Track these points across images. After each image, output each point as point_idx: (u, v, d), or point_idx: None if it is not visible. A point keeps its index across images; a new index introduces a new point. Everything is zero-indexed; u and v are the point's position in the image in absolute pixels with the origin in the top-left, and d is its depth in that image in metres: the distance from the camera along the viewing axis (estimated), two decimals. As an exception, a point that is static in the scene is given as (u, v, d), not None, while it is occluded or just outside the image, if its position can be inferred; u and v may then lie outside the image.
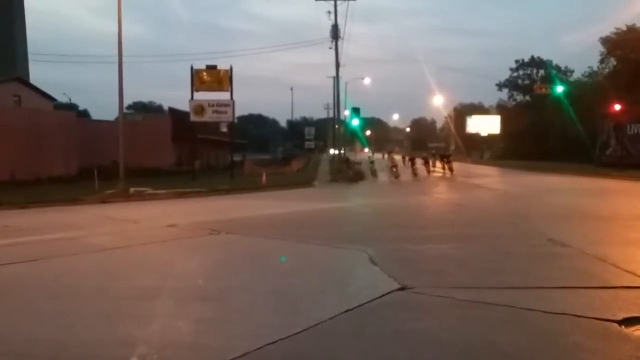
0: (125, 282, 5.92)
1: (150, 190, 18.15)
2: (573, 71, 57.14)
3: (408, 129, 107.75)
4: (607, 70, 44.25)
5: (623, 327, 4.04)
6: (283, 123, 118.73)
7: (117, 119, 23.22)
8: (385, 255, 6.97)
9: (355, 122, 34.95)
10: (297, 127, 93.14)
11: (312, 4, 40.66)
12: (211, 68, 26.05)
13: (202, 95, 26.21)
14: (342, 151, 43.39)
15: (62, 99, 51.50)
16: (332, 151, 49.20)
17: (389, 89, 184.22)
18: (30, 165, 23.77)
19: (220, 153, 45.30)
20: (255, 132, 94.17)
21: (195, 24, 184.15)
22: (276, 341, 3.86)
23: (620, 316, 4.22)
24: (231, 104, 25.95)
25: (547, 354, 3.61)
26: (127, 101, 66.26)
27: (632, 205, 13.69)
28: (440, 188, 21.39)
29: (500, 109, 63.41)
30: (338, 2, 33.12)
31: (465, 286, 5.41)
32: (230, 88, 25.83)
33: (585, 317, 4.27)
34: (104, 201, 16.01)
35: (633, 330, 3.99)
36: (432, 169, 28.83)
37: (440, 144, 71.72)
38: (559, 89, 38.16)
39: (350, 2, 42.27)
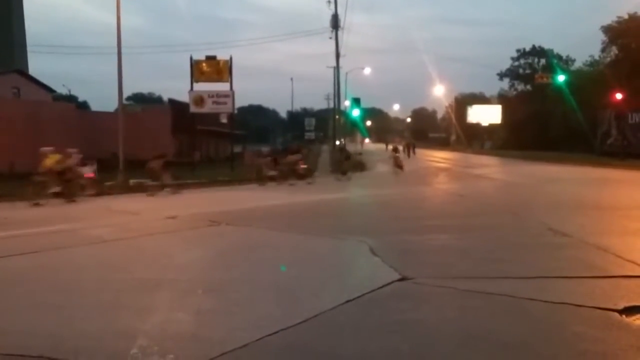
0: (125, 274, 5.91)
1: (149, 182, 18.10)
2: (574, 60, 56.86)
3: (409, 119, 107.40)
4: (608, 59, 44.02)
5: (624, 316, 4.04)
6: (283, 114, 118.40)
7: (116, 110, 23.14)
8: (386, 246, 6.96)
9: (355, 113, 34.89)
10: (297, 118, 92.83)
11: (311, -7, 40.39)
12: (211, 59, 25.91)
13: (201, 86, 26.09)
14: (342, 141, 43.31)
15: (61, 90, 51.37)
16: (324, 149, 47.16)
17: (390, 79, 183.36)
18: (29, 157, 23.68)
19: (220, 144, 45.21)
20: (255, 123, 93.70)
21: (194, 14, 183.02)
22: (277, 332, 3.86)
23: (621, 305, 4.22)
24: (231, 94, 25.83)
25: (548, 344, 3.60)
26: (127, 92, 66.15)
27: (633, 194, 13.66)
28: (441, 178, 21.37)
29: (501, 98, 63.15)
30: (338, -8, 32.89)
31: (466, 276, 5.41)
32: (230, 79, 25.71)
33: (586, 306, 4.26)
34: (103, 193, 15.97)
35: (634, 320, 3.99)
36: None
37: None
38: (560, 78, 37.94)
39: (350, -9, 41.91)
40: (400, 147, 25.71)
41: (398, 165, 22.49)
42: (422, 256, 6.50)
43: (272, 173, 18.64)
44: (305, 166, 19.25)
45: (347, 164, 22.24)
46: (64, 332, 4.01)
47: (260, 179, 18.38)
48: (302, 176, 18.75)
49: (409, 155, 37.54)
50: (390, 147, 26.59)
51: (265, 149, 22.04)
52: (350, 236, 7.74)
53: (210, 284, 5.39)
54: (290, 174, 18.71)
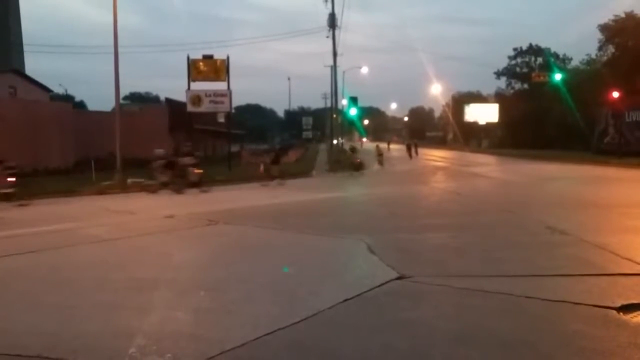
0: (123, 273, 5.89)
1: (147, 181, 18.07)
2: (571, 59, 57.01)
3: (406, 118, 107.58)
4: (605, 57, 44.10)
5: (622, 313, 4.06)
6: (281, 113, 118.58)
7: (113, 110, 23.08)
8: (384, 244, 6.96)
9: (353, 112, 34.82)
10: (294, 117, 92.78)
11: (309, -8, 40.30)
12: (208, 58, 25.87)
13: (199, 86, 26.05)
14: (340, 140, 43.32)
15: (58, 90, 51.23)
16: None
17: (387, 78, 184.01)
18: (26, 157, 23.60)
19: (218, 143, 45.12)
20: (253, 122, 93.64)
21: (191, 13, 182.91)
22: (275, 331, 3.86)
23: (619, 303, 4.24)
24: (228, 94, 25.80)
25: (546, 342, 3.60)
26: (124, 92, 65.81)
27: (630, 192, 13.69)
28: (438, 177, 21.39)
29: (498, 97, 63.23)
30: (335, -10, 32.83)
31: (464, 274, 5.42)
32: (227, 78, 25.67)
33: (584, 304, 4.27)
34: (101, 192, 15.95)
35: (632, 317, 4.00)
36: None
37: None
38: (557, 77, 38.01)
39: (348, -10, 41.79)
40: (358, 146, 27.09)
41: (355, 166, 23.08)
42: (420, 254, 6.51)
43: (164, 179, 16.15)
44: (199, 171, 16.58)
45: (277, 169, 19.06)
46: (62, 332, 4.00)
47: (149, 185, 16.19)
48: (196, 183, 16.18)
49: (410, 156, 37.59)
50: (381, 145, 27.09)
51: (160, 150, 17.15)
52: (348, 235, 7.73)
53: (208, 283, 5.38)
54: (182, 180, 16.10)
